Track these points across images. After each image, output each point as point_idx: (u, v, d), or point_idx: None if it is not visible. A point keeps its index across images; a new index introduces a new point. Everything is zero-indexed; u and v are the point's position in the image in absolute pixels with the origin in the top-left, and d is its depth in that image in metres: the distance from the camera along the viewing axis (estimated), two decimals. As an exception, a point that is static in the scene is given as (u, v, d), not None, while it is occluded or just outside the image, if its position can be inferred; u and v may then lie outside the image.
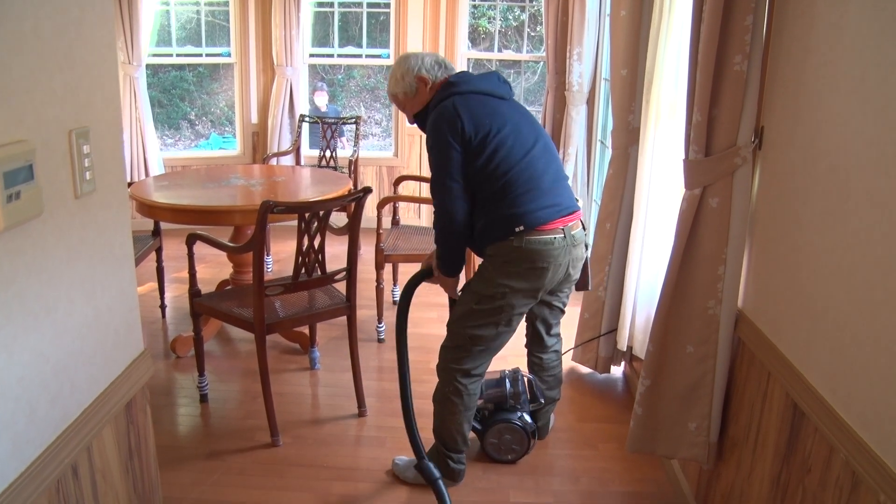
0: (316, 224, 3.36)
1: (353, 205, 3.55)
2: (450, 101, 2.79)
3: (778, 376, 2.25)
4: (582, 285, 3.17)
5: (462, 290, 2.96)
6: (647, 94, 3.40)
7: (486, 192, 2.77)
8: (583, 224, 2.93)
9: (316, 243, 3.40)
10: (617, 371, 4.11)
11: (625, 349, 3.81)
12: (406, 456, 3.22)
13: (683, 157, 2.59)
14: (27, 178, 1.51)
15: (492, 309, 2.83)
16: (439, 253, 2.94)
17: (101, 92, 1.85)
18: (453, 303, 3.09)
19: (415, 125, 3.11)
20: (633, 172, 3.67)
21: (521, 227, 2.72)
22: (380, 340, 4.56)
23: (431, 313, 4.85)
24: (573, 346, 4.09)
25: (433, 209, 2.92)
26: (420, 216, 7.00)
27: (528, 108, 3.03)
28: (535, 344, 3.33)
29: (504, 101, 2.89)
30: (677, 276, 2.63)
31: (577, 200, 2.95)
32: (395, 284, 5.25)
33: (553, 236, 2.75)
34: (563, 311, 3.27)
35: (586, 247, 3.01)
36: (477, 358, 2.93)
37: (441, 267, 2.97)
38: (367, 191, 3.51)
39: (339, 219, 3.54)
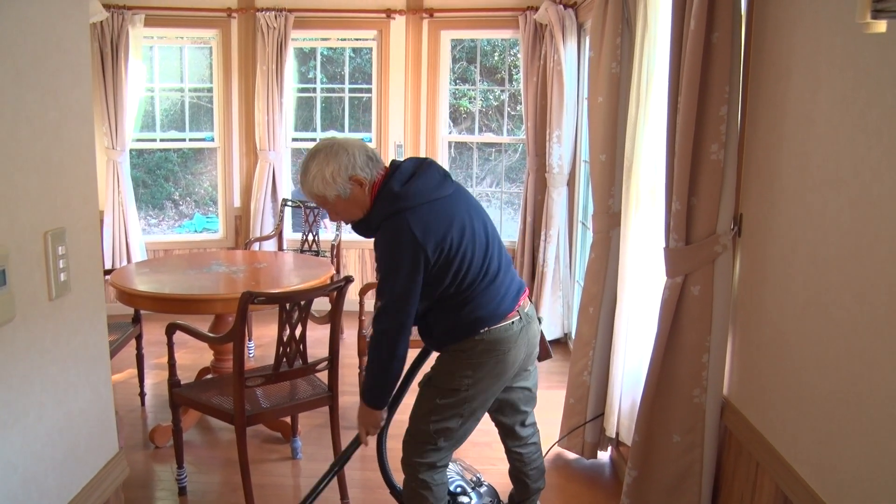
0: (297, 313, 3.33)
1: (334, 293, 3.52)
2: (402, 219, 2.53)
3: (766, 467, 2.22)
4: (543, 356, 3.10)
5: (423, 384, 2.84)
6: (627, 179, 3.41)
7: (447, 301, 2.70)
8: (529, 298, 2.89)
9: (297, 332, 3.36)
10: (604, 456, 4.04)
11: (613, 435, 3.75)
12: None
13: (664, 245, 2.60)
14: (-1, 283, 1.49)
15: (456, 401, 2.74)
16: (368, 383, 2.76)
17: (78, 192, 1.85)
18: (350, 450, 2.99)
19: (347, 224, 2.78)
20: (616, 256, 3.66)
21: (487, 329, 2.68)
22: (363, 427, 4.47)
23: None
24: (559, 433, 4.02)
25: (372, 332, 2.65)
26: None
27: (481, 188, 2.83)
28: (510, 438, 3.14)
29: (451, 198, 2.66)
30: (661, 365, 2.62)
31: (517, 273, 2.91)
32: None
33: (511, 321, 2.73)
34: (533, 396, 3.09)
35: (539, 321, 2.95)
36: (442, 451, 2.82)
37: (367, 398, 2.76)
38: (349, 280, 3.49)
39: (322, 303, 3.49)
